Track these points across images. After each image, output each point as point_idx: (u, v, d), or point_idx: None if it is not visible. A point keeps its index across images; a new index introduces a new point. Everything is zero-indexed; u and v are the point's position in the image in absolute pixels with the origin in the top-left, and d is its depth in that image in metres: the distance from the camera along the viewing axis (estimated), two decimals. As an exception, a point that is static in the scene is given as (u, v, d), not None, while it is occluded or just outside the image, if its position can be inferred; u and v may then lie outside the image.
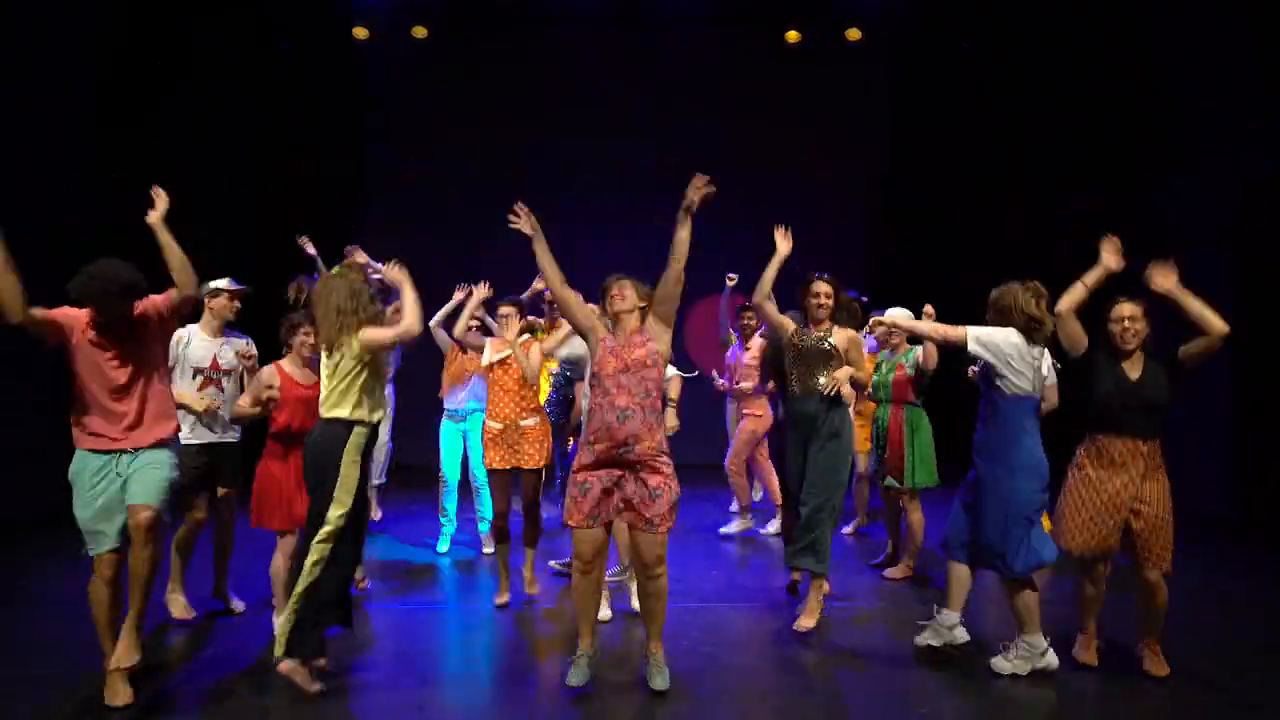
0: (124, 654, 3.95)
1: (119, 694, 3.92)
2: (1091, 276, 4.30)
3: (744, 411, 7.30)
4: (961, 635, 4.50)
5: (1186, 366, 4.25)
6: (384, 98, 11.19)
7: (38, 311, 3.89)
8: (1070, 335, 4.32)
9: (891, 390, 6.01)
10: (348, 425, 4.08)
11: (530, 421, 5.43)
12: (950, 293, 8.00)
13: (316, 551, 3.98)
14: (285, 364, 4.88)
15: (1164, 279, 4.20)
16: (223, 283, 5.25)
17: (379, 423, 4.23)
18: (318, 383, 4.62)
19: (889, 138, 11.36)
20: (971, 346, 4.29)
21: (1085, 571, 4.43)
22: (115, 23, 8.63)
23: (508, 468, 5.41)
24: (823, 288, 5.09)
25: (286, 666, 3.99)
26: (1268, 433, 7.56)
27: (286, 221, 10.18)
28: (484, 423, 5.53)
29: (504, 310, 5.59)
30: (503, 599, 5.42)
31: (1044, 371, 4.44)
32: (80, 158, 8.29)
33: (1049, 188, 10.04)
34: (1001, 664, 4.37)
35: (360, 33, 10.49)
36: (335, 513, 3.99)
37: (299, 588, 3.97)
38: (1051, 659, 4.34)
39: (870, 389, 5.94)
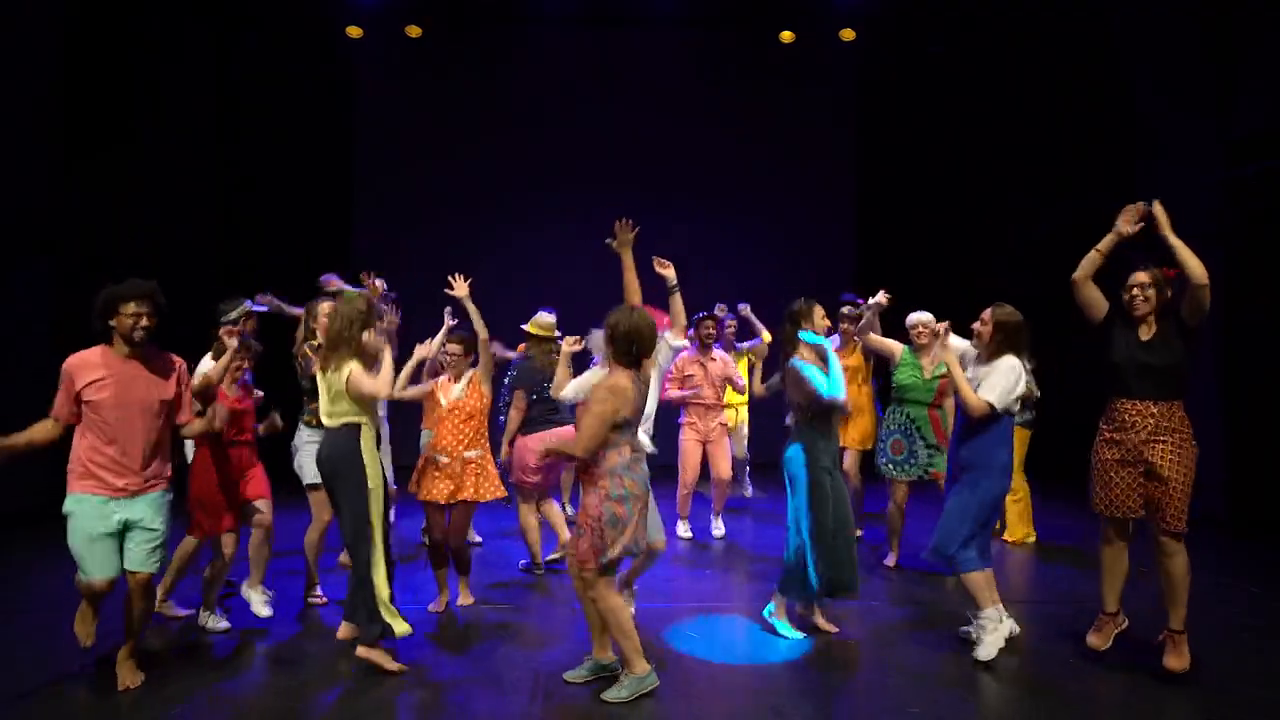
0: (129, 678, 4.15)
1: (127, 678, 4.14)
2: (1105, 242, 4.41)
3: (721, 422, 7.21)
4: (1012, 625, 4.65)
5: (1190, 324, 4.27)
6: (369, 95, 11.14)
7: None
8: (1088, 300, 4.43)
9: (935, 395, 6.17)
10: (355, 428, 4.33)
11: (474, 454, 5.29)
12: (941, 289, 8.09)
13: (379, 539, 4.30)
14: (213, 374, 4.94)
15: (1128, 225, 4.38)
16: (249, 305, 5.36)
17: (378, 425, 4.47)
18: (242, 398, 5.00)
19: (878, 135, 11.38)
20: (1000, 409, 4.48)
21: (1104, 536, 4.47)
22: (99, 21, 8.53)
23: (446, 501, 5.26)
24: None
25: (368, 650, 4.34)
26: (1261, 432, 7.62)
27: (275, 224, 10.23)
28: (426, 454, 5.38)
29: (451, 349, 5.40)
30: (439, 606, 5.37)
31: None
32: (58, 171, 8.15)
33: (1037, 187, 10.12)
34: (982, 651, 4.46)
35: (354, 31, 10.43)
36: (375, 509, 4.30)
37: (382, 574, 4.29)
38: (1012, 624, 4.58)
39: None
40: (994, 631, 4.49)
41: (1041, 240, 10.03)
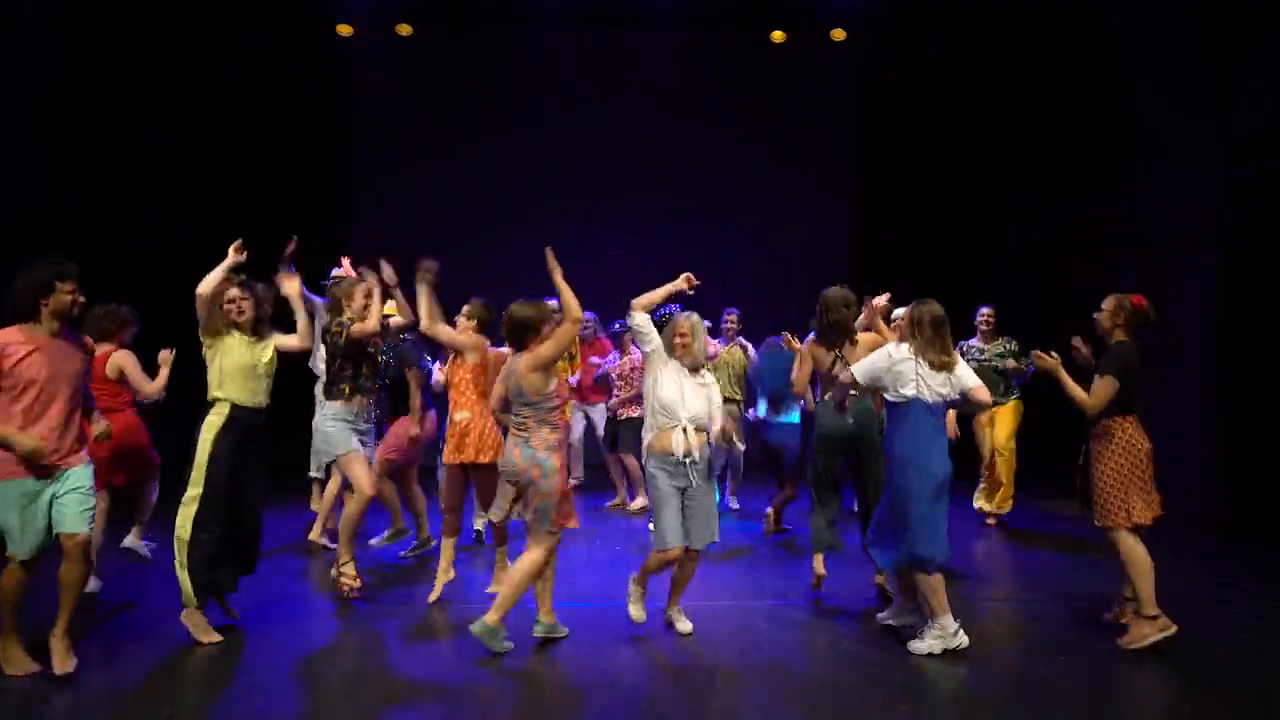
0: (64, 662, 4.17)
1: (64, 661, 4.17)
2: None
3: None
4: (963, 639, 4.53)
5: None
6: (369, 95, 11.14)
7: None
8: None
9: None
10: (209, 404, 4.72)
11: (461, 415, 5.33)
12: (941, 290, 8.07)
13: (181, 516, 4.61)
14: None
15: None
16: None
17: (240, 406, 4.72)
18: None
19: (878, 135, 11.37)
20: (863, 381, 4.68)
21: None
22: (99, 21, 8.54)
23: (458, 462, 5.36)
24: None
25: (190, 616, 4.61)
26: (1260, 432, 7.62)
27: (275, 224, 10.20)
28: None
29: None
30: (435, 596, 5.37)
31: (945, 379, 4.56)
32: (58, 171, 8.15)
33: (1037, 187, 10.12)
34: (919, 645, 4.52)
35: (344, 29, 10.42)
36: (190, 492, 4.60)
37: (178, 548, 4.58)
38: (962, 638, 4.49)
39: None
40: (940, 639, 4.48)
41: (1041, 240, 10.03)
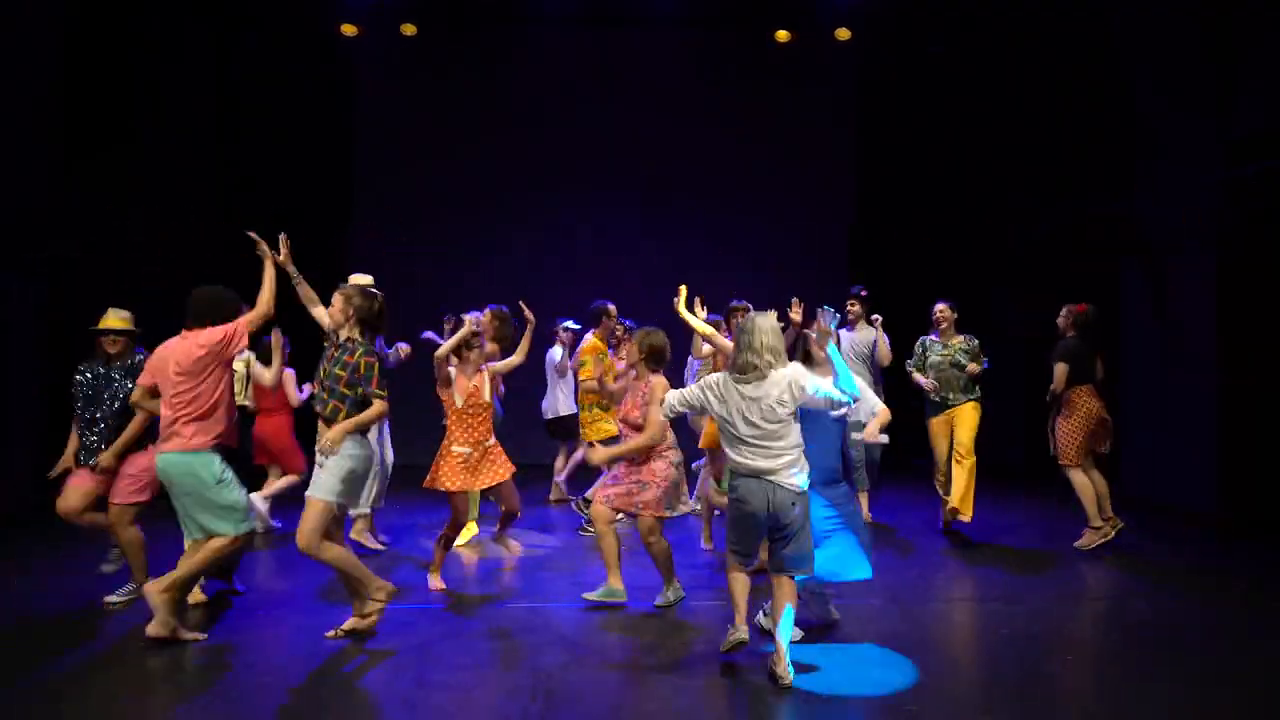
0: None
1: None
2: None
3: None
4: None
5: None
6: (369, 95, 11.14)
7: None
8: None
9: None
10: None
11: (492, 441, 5.75)
12: (941, 290, 8.09)
13: None
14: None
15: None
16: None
17: None
18: None
19: (878, 135, 11.37)
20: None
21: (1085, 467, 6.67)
22: (99, 21, 8.53)
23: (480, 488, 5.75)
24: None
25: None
26: (1259, 432, 7.62)
27: (275, 224, 10.19)
28: (450, 449, 5.59)
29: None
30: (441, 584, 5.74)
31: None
32: (58, 171, 8.14)
33: (1037, 187, 10.12)
34: (764, 620, 4.81)
35: (348, 29, 10.42)
36: None
37: None
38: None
39: None
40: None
41: (1041, 240, 10.03)
